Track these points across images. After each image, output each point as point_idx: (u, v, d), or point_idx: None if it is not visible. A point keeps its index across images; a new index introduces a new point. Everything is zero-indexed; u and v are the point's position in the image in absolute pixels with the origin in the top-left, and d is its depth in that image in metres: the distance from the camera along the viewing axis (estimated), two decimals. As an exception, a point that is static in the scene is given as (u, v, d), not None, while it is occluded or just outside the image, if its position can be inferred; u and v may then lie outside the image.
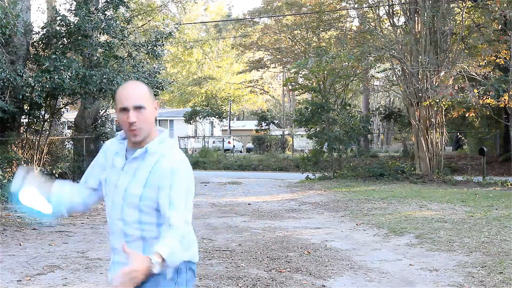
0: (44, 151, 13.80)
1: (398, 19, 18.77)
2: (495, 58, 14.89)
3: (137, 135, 2.07)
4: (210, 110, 32.60)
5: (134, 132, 2.06)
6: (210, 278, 5.14)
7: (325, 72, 17.28)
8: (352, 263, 5.76)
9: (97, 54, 13.40)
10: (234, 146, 35.46)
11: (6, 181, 11.38)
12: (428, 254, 6.12)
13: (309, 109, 17.90)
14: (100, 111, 16.36)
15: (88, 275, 5.33)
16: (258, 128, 32.62)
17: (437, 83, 15.50)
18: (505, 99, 13.82)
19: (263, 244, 6.79)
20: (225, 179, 17.51)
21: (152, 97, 2.14)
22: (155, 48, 13.96)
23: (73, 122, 16.47)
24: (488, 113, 15.77)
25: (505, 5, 13.46)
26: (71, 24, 12.46)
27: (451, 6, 16.84)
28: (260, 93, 43.18)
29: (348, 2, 23.36)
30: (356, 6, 21.64)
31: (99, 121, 16.00)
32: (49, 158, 14.32)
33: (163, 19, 23.01)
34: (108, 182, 2.17)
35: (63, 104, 15.45)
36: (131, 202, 2.08)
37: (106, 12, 13.13)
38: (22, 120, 14.03)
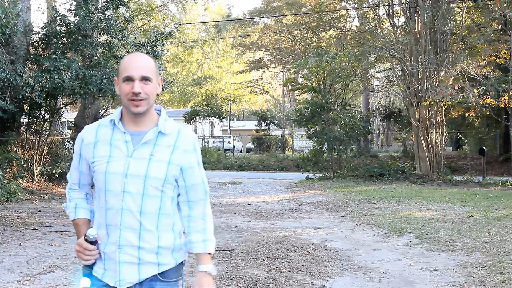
0: (44, 151, 13.80)
1: (398, 19, 18.78)
2: (495, 58, 14.89)
3: (139, 106, 1.91)
4: (210, 110, 32.60)
5: (137, 103, 1.90)
6: (210, 278, 5.13)
7: (325, 72, 17.28)
8: (352, 263, 5.76)
9: (97, 54, 13.40)
10: (234, 146, 35.47)
11: (6, 181, 11.38)
12: (428, 254, 6.12)
13: (309, 109, 17.91)
14: (100, 111, 16.35)
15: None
16: (258, 128, 32.63)
17: (437, 83, 15.50)
18: (505, 99, 13.83)
19: (263, 244, 6.79)
20: (225, 179, 17.50)
21: (158, 72, 2.01)
22: (155, 48, 13.96)
23: (73, 122, 16.46)
24: (488, 113, 15.78)
25: (505, 5, 13.46)
26: (71, 24, 12.47)
27: (451, 6, 16.84)
28: (260, 93, 43.19)
29: (348, 2, 23.36)
30: (356, 6, 21.63)
31: (99, 121, 15.95)
32: (49, 158, 14.32)
33: (163, 19, 23.04)
34: (107, 174, 1.93)
35: (63, 104, 15.45)
36: (154, 189, 1.91)
37: (106, 12, 13.13)
38: (22, 120, 14.04)
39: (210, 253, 1.99)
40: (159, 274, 1.95)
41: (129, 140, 1.93)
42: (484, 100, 14.12)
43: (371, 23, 19.18)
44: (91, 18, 12.35)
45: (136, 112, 1.92)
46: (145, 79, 1.91)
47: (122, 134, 1.95)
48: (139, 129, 1.95)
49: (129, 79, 1.91)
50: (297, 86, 21.62)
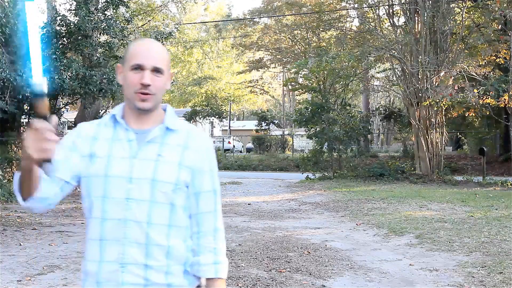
0: (44, 151, 13.80)
1: (398, 19, 18.78)
2: (495, 58, 14.89)
3: (146, 101, 1.61)
4: (210, 110, 32.60)
5: (145, 97, 1.61)
6: (210, 278, 5.13)
7: (325, 72, 17.29)
8: (352, 263, 5.76)
9: (97, 54, 13.40)
10: (234, 146, 35.47)
11: (6, 181, 11.38)
12: (428, 254, 6.12)
13: (309, 109, 17.92)
14: (100, 111, 16.35)
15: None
16: (258, 128, 32.63)
17: (437, 83, 15.50)
18: (505, 99, 13.82)
19: (263, 244, 6.79)
20: (225, 179, 17.50)
21: (169, 65, 1.72)
22: (155, 48, 13.96)
23: (73, 122, 16.47)
24: (488, 113, 15.78)
25: (505, 5, 13.46)
26: (71, 24, 12.47)
27: (451, 6, 16.85)
28: (260, 93, 43.17)
29: (348, 2, 23.35)
30: (356, 6, 21.63)
31: (99, 121, 15.97)
32: (49, 158, 14.33)
33: (163, 19, 23.03)
34: (107, 177, 1.61)
35: (63, 104, 15.46)
36: (162, 195, 1.61)
37: (106, 12, 13.13)
38: (22, 120, 14.04)
39: (223, 279, 1.68)
40: None
41: (133, 139, 1.64)
42: (484, 100, 14.12)
43: (371, 23, 19.19)
44: (91, 18, 12.35)
45: (142, 108, 1.63)
46: (157, 70, 1.63)
47: (125, 132, 1.65)
48: (144, 127, 1.66)
49: (138, 67, 1.61)
50: (297, 86, 21.63)
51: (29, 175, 1.49)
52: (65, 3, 13.84)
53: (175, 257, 1.63)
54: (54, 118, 1.41)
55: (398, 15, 18.48)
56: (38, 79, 1.39)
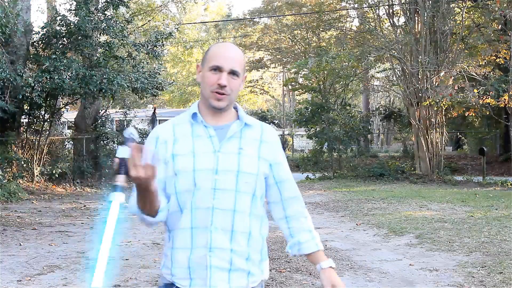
0: (44, 151, 13.81)
1: (398, 19, 18.77)
2: (495, 58, 14.89)
3: (221, 100, 1.74)
4: (210, 110, 32.56)
5: (220, 97, 1.74)
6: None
7: (325, 72, 17.28)
8: (352, 263, 5.76)
9: (97, 54, 13.41)
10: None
11: (6, 181, 11.38)
12: (428, 254, 6.12)
13: (309, 109, 17.91)
14: (100, 111, 16.36)
15: (88, 275, 5.33)
16: (258, 128, 32.55)
17: (437, 83, 15.50)
18: (505, 99, 13.83)
19: (263, 244, 6.78)
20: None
21: (245, 68, 1.85)
22: (155, 48, 13.98)
23: (73, 122, 16.47)
24: (488, 113, 15.78)
25: (505, 5, 13.46)
26: (71, 24, 12.48)
27: (451, 6, 16.84)
28: (260, 93, 43.16)
29: (348, 2, 23.33)
30: (356, 6, 21.62)
31: (99, 121, 16.01)
32: (49, 158, 14.33)
33: (163, 19, 23.03)
34: (196, 171, 1.73)
35: (63, 104, 15.47)
36: (246, 185, 1.76)
37: (106, 12, 13.14)
38: (22, 120, 14.05)
39: (322, 250, 1.91)
40: None
41: (213, 135, 1.77)
42: (484, 100, 14.11)
43: (371, 23, 19.18)
44: (91, 18, 12.36)
45: (217, 107, 1.76)
46: (233, 73, 1.76)
47: (204, 129, 1.78)
48: (220, 123, 1.79)
49: (217, 69, 1.74)
50: (297, 86, 21.61)
51: (148, 194, 1.64)
52: (65, 3, 13.84)
53: (254, 244, 1.82)
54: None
55: (398, 15, 18.47)
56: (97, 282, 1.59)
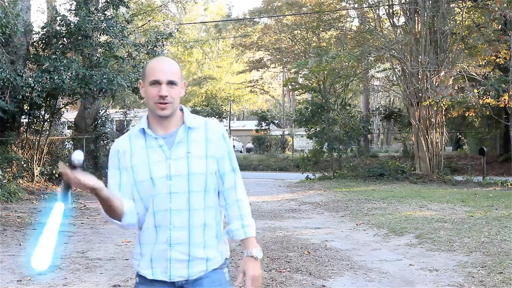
0: (44, 151, 13.81)
1: (398, 19, 18.77)
2: (495, 58, 14.88)
3: (165, 109, 1.97)
4: (210, 110, 32.59)
5: (164, 106, 1.96)
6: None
7: (325, 72, 17.28)
8: (352, 263, 5.76)
9: (97, 54, 13.40)
10: (234, 146, 35.45)
11: (6, 181, 11.38)
12: (428, 254, 6.12)
13: (309, 109, 17.92)
14: (100, 111, 16.37)
15: (88, 275, 5.33)
16: (258, 128, 32.60)
17: (437, 83, 15.50)
18: (505, 99, 13.82)
19: (263, 244, 6.78)
20: (225, 179, 17.44)
21: (182, 76, 2.08)
22: (155, 48, 13.97)
23: (73, 122, 16.47)
24: (488, 113, 15.77)
25: (505, 5, 13.45)
26: (71, 24, 12.47)
27: (451, 6, 16.84)
28: (260, 93, 43.15)
29: (348, 2, 23.34)
30: (356, 6, 21.62)
31: (99, 121, 16.02)
32: (49, 158, 14.33)
33: (163, 19, 23.03)
34: (153, 179, 1.97)
35: (63, 104, 15.47)
36: (198, 184, 1.98)
37: (106, 12, 13.13)
38: (22, 120, 14.05)
39: (253, 237, 2.07)
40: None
41: (163, 144, 1.99)
42: (484, 100, 14.11)
43: (371, 23, 19.18)
44: (91, 18, 12.36)
45: (162, 115, 1.98)
46: (171, 83, 1.97)
47: (155, 140, 2.01)
48: (168, 131, 2.01)
49: (156, 82, 1.97)
50: (297, 86, 21.62)
51: (106, 201, 1.90)
52: (65, 3, 13.87)
53: (209, 232, 2.02)
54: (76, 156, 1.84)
55: (398, 15, 18.47)
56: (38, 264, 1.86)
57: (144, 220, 2.01)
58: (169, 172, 1.96)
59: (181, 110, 2.06)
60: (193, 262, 1.98)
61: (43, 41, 12.92)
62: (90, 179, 1.82)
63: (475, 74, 15.08)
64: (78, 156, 1.83)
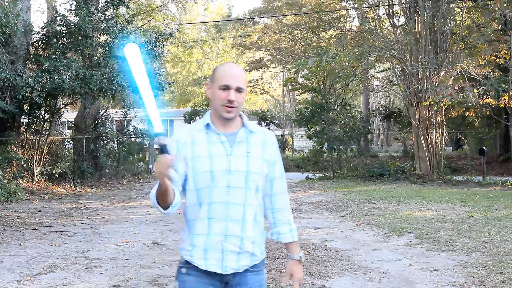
0: (44, 151, 13.81)
1: (398, 19, 18.77)
2: (495, 58, 14.88)
3: (231, 112, 2.13)
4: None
5: (230, 110, 2.12)
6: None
7: (325, 72, 17.28)
8: (352, 263, 5.76)
9: (97, 54, 13.41)
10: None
11: (6, 181, 11.39)
12: (428, 254, 6.12)
13: (309, 109, 17.91)
14: (100, 111, 16.37)
15: (88, 275, 5.33)
16: (258, 128, 32.49)
17: (437, 83, 15.50)
18: (505, 99, 13.81)
19: (263, 244, 6.78)
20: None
21: (247, 83, 2.26)
22: (155, 48, 13.97)
23: (73, 122, 16.47)
24: (488, 113, 15.77)
25: (505, 5, 13.45)
26: (71, 24, 12.47)
27: (451, 6, 16.83)
28: (260, 93, 43.16)
29: (348, 2, 23.32)
30: (356, 6, 21.62)
31: (99, 121, 16.02)
32: (49, 158, 14.33)
33: (163, 19, 23.03)
34: (213, 172, 2.09)
35: (63, 104, 15.47)
36: (253, 182, 2.13)
37: (106, 12, 13.13)
38: (22, 120, 14.05)
39: (297, 241, 2.29)
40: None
41: (225, 141, 2.14)
42: (484, 100, 14.11)
43: (371, 23, 19.17)
44: (91, 18, 12.36)
45: (227, 118, 2.14)
46: (239, 89, 2.13)
47: (217, 136, 2.15)
48: (229, 130, 2.17)
49: (226, 87, 2.12)
50: (297, 86, 21.62)
51: (165, 191, 1.97)
52: (65, 3, 13.88)
53: (258, 228, 2.18)
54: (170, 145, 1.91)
55: (398, 15, 18.47)
56: (159, 128, 1.89)
57: (197, 211, 2.12)
58: (229, 167, 2.10)
59: (240, 116, 2.23)
60: (243, 255, 2.11)
61: (43, 41, 12.92)
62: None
63: (475, 74, 15.08)
64: (165, 141, 1.88)
